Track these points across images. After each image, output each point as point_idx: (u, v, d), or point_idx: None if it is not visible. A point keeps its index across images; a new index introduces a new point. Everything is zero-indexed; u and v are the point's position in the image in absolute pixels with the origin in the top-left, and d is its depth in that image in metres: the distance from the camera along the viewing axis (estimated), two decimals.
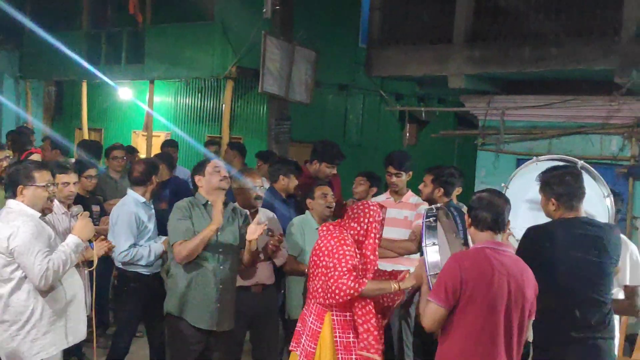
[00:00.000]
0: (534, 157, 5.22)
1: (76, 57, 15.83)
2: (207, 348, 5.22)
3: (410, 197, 6.35)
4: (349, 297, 4.69)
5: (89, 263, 4.86)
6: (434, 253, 4.21)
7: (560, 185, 4.36)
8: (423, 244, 4.25)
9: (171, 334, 5.33)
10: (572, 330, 4.21)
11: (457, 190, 6.20)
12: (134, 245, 5.64)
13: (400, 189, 6.30)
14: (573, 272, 4.23)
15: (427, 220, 4.33)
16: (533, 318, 4.04)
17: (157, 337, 5.97)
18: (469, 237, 4.36)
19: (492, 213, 4.00)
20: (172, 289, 5.21)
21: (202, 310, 5.08)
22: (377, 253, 4.96)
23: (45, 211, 4.47)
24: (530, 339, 4.96)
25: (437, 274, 4.06)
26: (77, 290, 4.57)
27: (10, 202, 4.41)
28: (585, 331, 4.22)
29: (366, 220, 4.94)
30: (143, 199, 5.79)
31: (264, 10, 10.49)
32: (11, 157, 7.44)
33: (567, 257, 4.24)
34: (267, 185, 7.26)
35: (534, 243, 4.30)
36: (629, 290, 4.95)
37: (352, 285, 4.63)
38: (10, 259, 4.23)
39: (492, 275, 3.82)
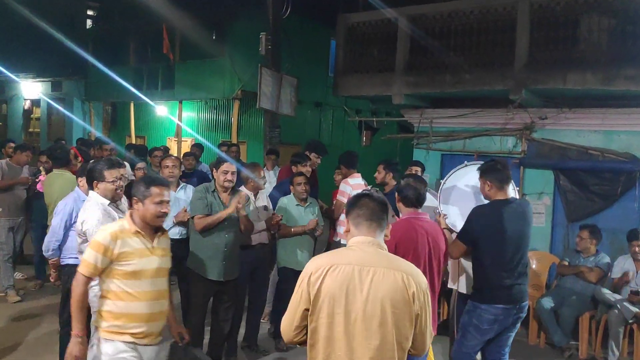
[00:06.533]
0: (465, 162, 5.23)
1: (126, 85, 15.74)
2: (219, 292, 5.19)
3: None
4: None
5: None
6: None
7: (493, 172, 4.40)
8: None
9: (191, 284, 5.28)
10: (506, 279, 4.26)
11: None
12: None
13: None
14: (507, 238, 4.27)
15: None
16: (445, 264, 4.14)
17: (185, 286, 5.90)
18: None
19: (415, 195, 4.03)
20: (192, 250, 5.17)
21: (212, 266, 5.04)
22: None
23: (115, 198, 4.32)
24: (463, 291, 4.99)
25: None
26: None
27: (90, 193, 4.31)
28: (514, 279, 4.28)
29: None
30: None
31: (260, 49, 10.44)
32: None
33: (502, 227, 4.27)
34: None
35: (479, 217, 4.33)
36: None
37: None
38: (85, 237, 4.13)
39: (417, 236, 3.86)
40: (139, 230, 3.45)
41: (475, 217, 4.34)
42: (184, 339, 3.82)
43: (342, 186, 6.33)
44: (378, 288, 2.46)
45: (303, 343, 2.60)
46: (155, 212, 3.47)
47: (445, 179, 5.09)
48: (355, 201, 2.73)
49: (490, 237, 4.23)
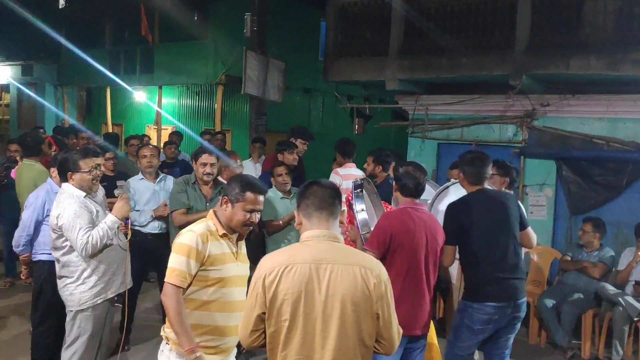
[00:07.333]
0: (451, 180, 5.29)
1: (102, 69, 15.59)
2: None
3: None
4: None
5: (125, 235, 4.54)
6: (363, 217, 4.20)
7: (469, 165, 4.41)
8: (354, 211, 4.24)
9: None
10: (495, 272, 4.23)
11: (392, 165, 6.23)
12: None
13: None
14: (485, 226, 4.26)
15: (355, 191, 4.33)
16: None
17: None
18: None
19: (413, 183, 4.01)
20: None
21: None
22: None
23: (92, 189, 4.27)
24: (454, 281, 5.00)
25: (367, 232, 4.06)
26: (119, 255, 4.38)
27: (64, 185, 4.25)
28: (505, 272, 4.24)
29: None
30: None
31: (245, 31, 10.39)
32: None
33: (478, 215, 4.27)
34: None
35: (455, 213, 4.32)
36: None
37: None
38: (60, 232, 4.10)
39: (414, 228, 3.85)
40: (227, 233, 3.29)
41: (449, 214, 4.34)
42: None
43: (332, 176, 6.32)
44: (337, 286, 2.47)
45: (263, 346, 2.58)
46: (244, 220, 3.27)
47: (433, 198, 5.11)
48: (303, 191, 2.72)
49: (468, 229, 4.21)
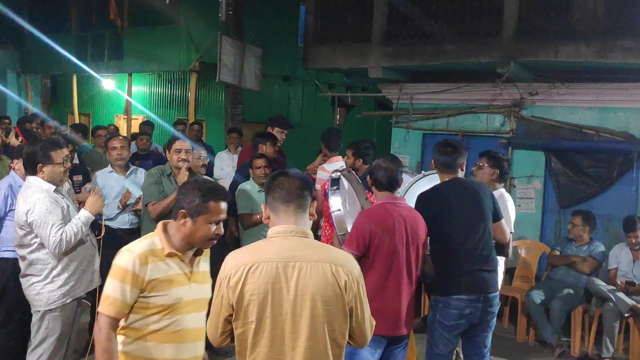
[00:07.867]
0: (422, 172, 5.37)
1: (67, 55, 15.34)
2: None
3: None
4: None
5: (98, 232, 4.51)
6: (339, 218, 4.20)
7: (439, 154, 4.43)
8: (331, 211, 4.24)
9: None
10: (464, 264, 4.21)
11: None
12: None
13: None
14: (453, 216, 4.25)
15: (332, 189, 4.31)
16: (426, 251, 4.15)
17: None
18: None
19: (387, 176, 4.02)
20: None
21: None
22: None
23: (62, 182, 4.24)
24: None
25: (344, 234, 4.07)
26: (89, 252, 4.35)
27: (29, 178, 4.20)
28: (474, 264, 4.22)
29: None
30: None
31: (220, 15, 10.31)
32: None
33: (446, 204, 4.28)
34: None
35: (425, 202, 4.32)
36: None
37: None
38: (30, 229, 4.05)
39: (393, 224, 3.85)
40: (175, 252, 2.91)
41: (420, 203, 4.34)
42: None
43: (319, 173, 6.27)
44: (306, 285, 2.45)
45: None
46: (209, 235, 2.92)
47: (404, 192, 5.12)
48: (270, 183, 2.69)
49: (438, 218, 4.21)
